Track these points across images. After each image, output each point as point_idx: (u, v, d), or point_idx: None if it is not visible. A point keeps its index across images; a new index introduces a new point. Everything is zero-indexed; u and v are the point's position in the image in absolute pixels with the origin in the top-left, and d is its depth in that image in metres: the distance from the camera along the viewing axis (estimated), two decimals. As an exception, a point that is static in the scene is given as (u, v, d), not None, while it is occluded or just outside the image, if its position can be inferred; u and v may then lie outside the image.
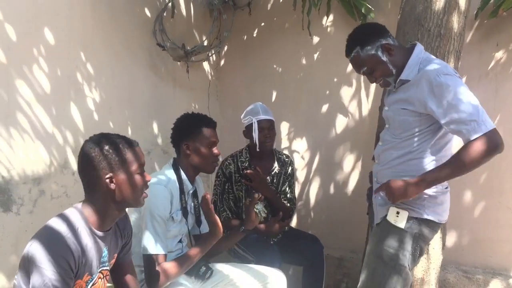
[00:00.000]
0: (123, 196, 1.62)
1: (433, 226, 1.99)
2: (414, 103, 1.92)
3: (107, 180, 1.57)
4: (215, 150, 2.31)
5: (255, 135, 2.84)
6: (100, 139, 1.61)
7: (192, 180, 2.33)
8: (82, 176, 1.62)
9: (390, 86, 2.09)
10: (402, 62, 1.99)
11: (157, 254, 2.03)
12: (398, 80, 2.01)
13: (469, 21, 2.81)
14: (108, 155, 1.57)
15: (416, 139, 1.96)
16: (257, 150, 2.87)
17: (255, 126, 2.84)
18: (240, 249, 2.80)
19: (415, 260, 1.99)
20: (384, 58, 1.98)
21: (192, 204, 2.38)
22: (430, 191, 1.92)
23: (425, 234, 1.97)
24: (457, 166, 1.80)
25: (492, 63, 2.95)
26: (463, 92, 1.80)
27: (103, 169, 1.57)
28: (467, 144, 1.76)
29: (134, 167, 1.63)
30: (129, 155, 1.62)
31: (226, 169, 2.95)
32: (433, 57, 2.02)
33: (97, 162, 1.56)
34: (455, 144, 2.01)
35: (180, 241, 2.33)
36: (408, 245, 1.95)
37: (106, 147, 1.58)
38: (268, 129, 2.88)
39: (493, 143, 1.73)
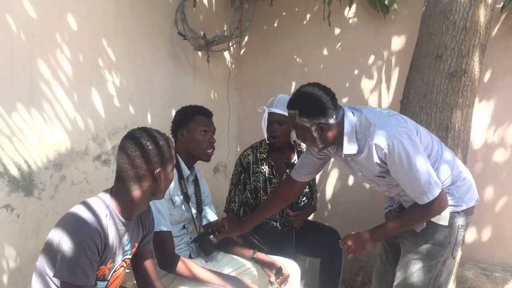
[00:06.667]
0: (160, 189, 1.66)
1: (469, 212, 2.09)
2: (374, 167, 1.97)
3: (157, 174, 1.60)
4: (208, 137, 2.36)
5: (264, 126, 2.80)
6: (153, 133, 1.63)
7: (189, 166, 2.38)
8: (129, 166, 1.59)
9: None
10: (334, 138, 1.99)
11: (163, 231, 2.04)
12: (343, 155, 2.02)
13: (495, 15, 2.75)
14: (163, 150, 1.61)
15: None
16: (267, 141, 2.86)
17: (265, 117, 2.78)
18: (255, 240, 2.81)
19: (459, 247, 2.14)
20: (315, 135, 1.95)
21: (194, 192, 2.44)
22: (457, 182, 2.03)
23: (465, 223, 2.08)
24: (398, 225, 2.02)
25: (518, 58, 2.89)
26: (414, 162, 1.85)
27: (156, 163, 1.59)
28: (413, 207, 1.98)
29: (173, 164, 1.69)
30: (172, 152, 1.67)
31: (244, 159, 2.93)
32: (364, 119, 1.97)
33: (152, 156, 1.59)
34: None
35: (184, 227, 2.38)
36: (453, 238, 2.04)
37: (161, 142, 1.62)
38: (278, 123, 2.76)
39: (432, 210, 1.92)
